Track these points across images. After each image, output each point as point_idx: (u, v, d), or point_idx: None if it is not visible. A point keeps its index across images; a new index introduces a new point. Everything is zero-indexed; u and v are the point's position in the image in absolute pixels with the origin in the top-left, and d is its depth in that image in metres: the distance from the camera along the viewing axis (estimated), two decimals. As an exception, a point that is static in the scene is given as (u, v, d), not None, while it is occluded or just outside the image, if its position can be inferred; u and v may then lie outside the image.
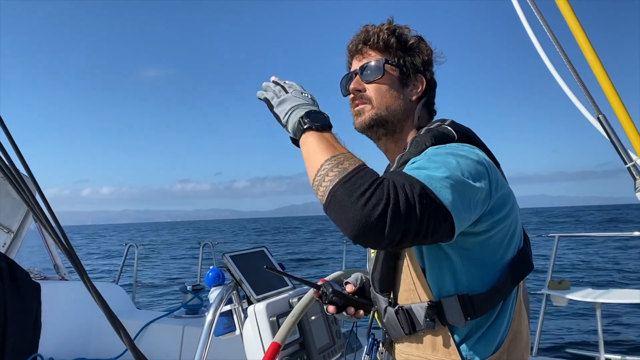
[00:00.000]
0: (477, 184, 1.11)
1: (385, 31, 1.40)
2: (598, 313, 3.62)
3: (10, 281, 4.00)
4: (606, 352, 3.40)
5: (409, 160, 1.19)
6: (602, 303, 3.63)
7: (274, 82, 1.33)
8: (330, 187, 1.04)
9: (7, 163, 1.10)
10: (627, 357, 3.41)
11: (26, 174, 1.27)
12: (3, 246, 4.90)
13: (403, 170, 1.10)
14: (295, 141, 1.24)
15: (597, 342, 3.41)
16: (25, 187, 1.05)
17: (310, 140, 1.17)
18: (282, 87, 1.30)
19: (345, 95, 1.46)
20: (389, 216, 0.96)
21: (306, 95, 1.29)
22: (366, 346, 1.35)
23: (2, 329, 3.83)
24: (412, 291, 1.24)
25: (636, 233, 3.77)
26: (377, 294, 1.31)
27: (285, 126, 1.26)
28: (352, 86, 1.40)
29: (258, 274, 1.71)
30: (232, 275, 1.63)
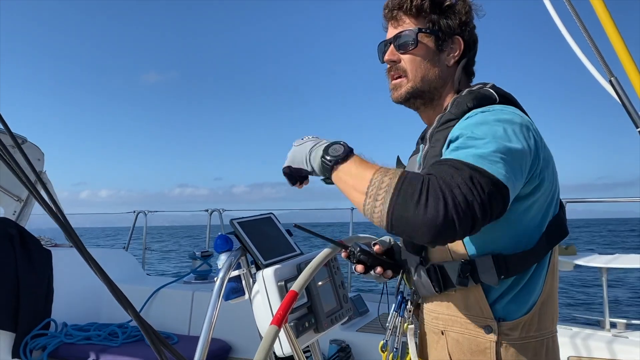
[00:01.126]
0: (525, 148, 1.11)
1: None
2: (604, 278, 3.64)
3: (21, 248, 4.07)
4: (611, 316, 3.42)
5: (450, 119, 1.22)
6: (609, 268, 3.64)
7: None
8: (386, 210, 1.03)
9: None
10: (633, 321, 3.44)
11: (13, 144, 1.26)
12: (13, 214, 4.96)
13: (447, 156, 1.09)
14: (329, 180, 1.24)
15: (602, 304, 3.44)
16: (12, 159, 1.04)
17: (341, 175, 1.17)
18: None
19: (382, 63, 1.44)
20: (453, 214, 0.97)
21: (315, 137, 1.30)
22: (394, 304, 1.37)
23: (16, 294, 3.91)
24: (445, 250, 1.25)
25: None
26: (409, 253, 1.33)
27: (313, 173, 1.28)
28: (386, 57, 1.39)
29: (266, 239, 1.72)
30: (240, 240, 1.64)
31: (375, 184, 1.07)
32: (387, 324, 1.39)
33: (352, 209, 5.95)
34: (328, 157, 1.19)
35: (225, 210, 6.28)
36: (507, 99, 1.27)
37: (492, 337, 1.20)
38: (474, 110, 1.19)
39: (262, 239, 1.69)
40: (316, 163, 1.24)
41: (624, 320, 3.40)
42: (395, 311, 1.37)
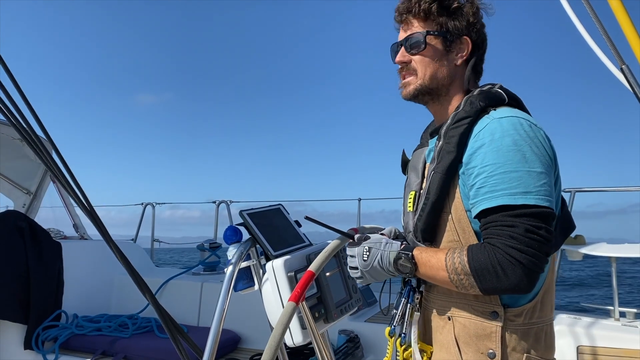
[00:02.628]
0: (549, 162, 1.25)
1: None
2: (613, 267, 3.62)
3: (31, 240, 4.10)
4: (620, 305, 3.41)
5: (464, 117, 1.32)
6: (618, 257, 3.63)
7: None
8: (478, 290, 1.22)
9: (24, 125, 1.11)
10: (642, 310, 3.43)
11: (44, 137, 1.27)
12: (23, 207, 4.99)
13: (486, 198, 1.23)
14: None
15: (611, 295, 3.43)
16: (43, 147, 1.06)
17: (422, 274, 1.34)
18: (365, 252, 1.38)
19: (394, 63, 1.52)
20: (531, 267, 1.15)
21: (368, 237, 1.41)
22: (404, 291, 1.45)
23: (27, 286, 3.95)
24: (456, 242, 1.34)
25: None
26: (419, 243, 1.41)
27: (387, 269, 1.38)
28: (398, 58, 1.49)
29: (275, 230, 1.72)
30: (249, 232, 1.64)
31: (453, 275, 1.24)
32: (394, 311, 1.46)
33: (360, 199, 5.95)
34: (405, 272, 1.34)
35: (232, 202, 6.29)
36: (515, 100, 1.39)
37: (499, 322, 1.29)
38: (488, 130, 1.27)
39: (271, 230, 1.69)
40: (396, 272, 1.37)
41: (634, 310, 3.39)
42: (404, 298, 1.44)
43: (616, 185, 4.00)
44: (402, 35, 1.50)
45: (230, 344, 3.92)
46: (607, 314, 3.41)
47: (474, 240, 1.31)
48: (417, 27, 1.46)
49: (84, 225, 5.28)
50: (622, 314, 3.38)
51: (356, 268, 1.39)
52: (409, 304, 1.44)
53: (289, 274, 1.56)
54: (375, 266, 1.36)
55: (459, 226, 1.33)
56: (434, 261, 1.28)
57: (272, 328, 1.26)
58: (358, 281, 1.43)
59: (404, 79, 1.50)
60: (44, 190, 5.10)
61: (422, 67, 1.45)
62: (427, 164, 1.51)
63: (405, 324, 1.43)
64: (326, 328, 1.69)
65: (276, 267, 1.56)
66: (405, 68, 1.48)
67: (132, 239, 6.28)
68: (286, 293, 1.54)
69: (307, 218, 1.48)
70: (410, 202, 1.52)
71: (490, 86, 1.43)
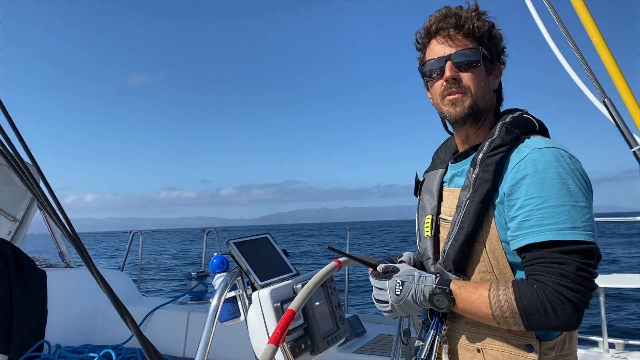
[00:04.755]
0: (591, 195, 1.23)
1: (476, 17, 1.39)
2: (601, 298, 3.62)
3: (15, 268, 4.04)
4: (609, 336, 3.40)
5: (501, 145, 1.29)
6: (606, 287, 3.63)
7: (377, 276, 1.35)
8: (524, 328, 1.20)
9: (10, 151, 1.10)
10: (630, 341, 3.42)
11: (30, 162, 1.26)
12: (8, 234, 4.92)
13: (532, 232, 1.19)
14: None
15: (600, 325, 3.42)
16: (29, 174, 1.05)
17: (461, 309, 1.28)
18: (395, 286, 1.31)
19: (429, 78, 1.44)
20: (579, 305, 1.14)
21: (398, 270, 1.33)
22: (432, 323, 1.39)
23: (9, 315, 3.87)
24: (489, 272, 1.31)
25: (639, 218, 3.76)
26: (449, 274, 1.34)
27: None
28: (449, 73, 1.37)
29: (262, 260, 1.71)
30: (236, 261, 1.63)
31: (498, 312, 1.20)
32: (421, 343, 1.39)
33: (349, 228, 5.93)
34: (442, 307, 1.28)
35: (220, 231, 6.26)
36: (542, 127, 1.38)
37: (534, 356, 1.25)
38: (531, 161, 1.24)
39: (258, 260, 1.68)
40: (428, 305, 1.30)
41: (622, 341, 3.38)
42: (433, 329, 1.37)
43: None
44: (444, 50, 1.39)
45: (216, 375, 3.84)
46: (594, 345, 3.40)
47: (508, 271, 1.28)
48: (466, 44, 1.38)
49: (70, 253, 5.21)
50: (612, 345, 3.37)
51: (386, 302, 1.31)
52: (437, 336, 1.37)
53: (275, 305, 1.54)
54: (409, 300, 1.29)
55: (493, 257, 1.29)
56: (475, 297, 1.24)
57: (257, 359, 1.24)
58: (386, 314, 1.35)
59: (451, 95, 1.38)
60: (30, 218, 5.05)
61: (475, 86, 1.37)
62: (446, 188, 1.49)
63: (434, 357, 1.35)
64: (313, 360, 1.67)
65: (262, 298, 1.55)
66: (455, 85, 1.37)
67: (119, 268, 6.19)
68: (272, 323, 1.52)
69: (329, 248, 1.43)
70: (427, 227, 1.48)
71: (519, 112, 1.39)
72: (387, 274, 1.33)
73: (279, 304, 1.55)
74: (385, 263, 1.39)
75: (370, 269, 1.41)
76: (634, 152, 1.66)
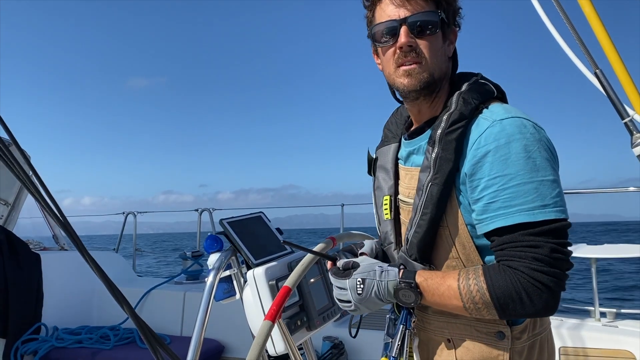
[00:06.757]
0: (558, 166, 1.14)
1: None
2: (593, 268, 3.66)
3: (9, 252, 4.02)
4: (600, 305, 3.45)
5: (459, 119, 1.17)
6: (598, 258, 3.67)
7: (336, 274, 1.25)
8: (497, 317, 1.12)
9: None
10: (622, 310, 3.47)
11: (8, 139, 1.24)
12: (0, 218, 4.90)
13: (499, 215, 1.10)
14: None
15: (591, 298, 3.47)
16: (14, 159, 1.03)
17: (429, 302, 1.19)
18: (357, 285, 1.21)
19: (379, 43, 1.28)
20: (556, 289, 1.06)
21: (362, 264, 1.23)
22: (400, 317, 1.28)
23: (5, 299, 3.87)
24: (455, 259, 1.23)
25: (631, 189, 3.79)
26: (415, 262, 1.26)
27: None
28: (404, 40, 1.20)
29: (256, 238, 1.71)
30: (230, 240, 1.63)
31: (470, 304, 1.12)
32: (390, 340, 1.29)
33: (342, 205, 5.94)
34: (409, 302, 1.18)
35: (215, 210, 6.25)
36: (499, 91, 1.27)
37: (506, 342, 1.19)
38: (491, 135, 1.13)
39: (252, 238, 1.68)
40: (392, 299, 1.21)
41: (614, 310, 3.43)
42: (402, 324, 1.27)
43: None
44: (397, 13, 1.22)
45: (213, 353, 3.88)
46: (587, 315, 3.45)
47: (475, 256, 1.20)
48: (422, 6, 1.22)
49: (64, 236, 5.20)
50: (603, 314, 3.42)
51: (349, 301, 1.21)
52: (407, 330, 1.27)
53: (270, 283, 1.55)
54: (373, 298, 1.19)
55: (459, 241, 1.21)
56: (444, 289, 1.14)
57: (254, 337, 1.25)
58: (351, 313, 1.25)
59: (406, 65, 1.23)
60: (22, 201, 5.02)
61: (432, 55, 1.22)
62: (402, 166, 1.39)
63: (405, 353, 1.26)
64: (309, 335, 1.68)
65: (257, 276, 1.55)
66: (412, 52, 1.21)
67: (114, 249, 6.19)
68: (267, 301, 1.53)
69: (284, 243, 1.38)
70: (386, 210, 1.39)
71: (475, 78, 1.26)
72: (347, 270, 1.23)
73: (274, 281, 1.55)
74: (345, 255, 1.33)
75: (329, 263, 1.34)
76: (625, 123, 1.66)
